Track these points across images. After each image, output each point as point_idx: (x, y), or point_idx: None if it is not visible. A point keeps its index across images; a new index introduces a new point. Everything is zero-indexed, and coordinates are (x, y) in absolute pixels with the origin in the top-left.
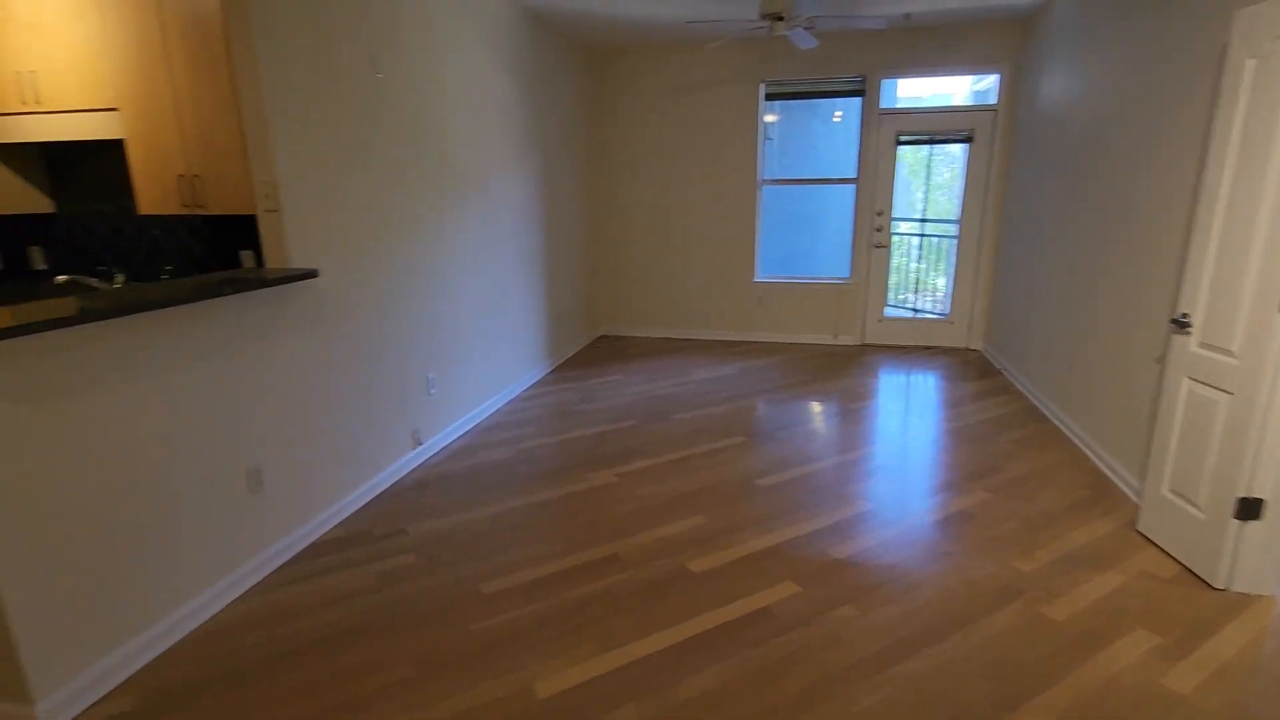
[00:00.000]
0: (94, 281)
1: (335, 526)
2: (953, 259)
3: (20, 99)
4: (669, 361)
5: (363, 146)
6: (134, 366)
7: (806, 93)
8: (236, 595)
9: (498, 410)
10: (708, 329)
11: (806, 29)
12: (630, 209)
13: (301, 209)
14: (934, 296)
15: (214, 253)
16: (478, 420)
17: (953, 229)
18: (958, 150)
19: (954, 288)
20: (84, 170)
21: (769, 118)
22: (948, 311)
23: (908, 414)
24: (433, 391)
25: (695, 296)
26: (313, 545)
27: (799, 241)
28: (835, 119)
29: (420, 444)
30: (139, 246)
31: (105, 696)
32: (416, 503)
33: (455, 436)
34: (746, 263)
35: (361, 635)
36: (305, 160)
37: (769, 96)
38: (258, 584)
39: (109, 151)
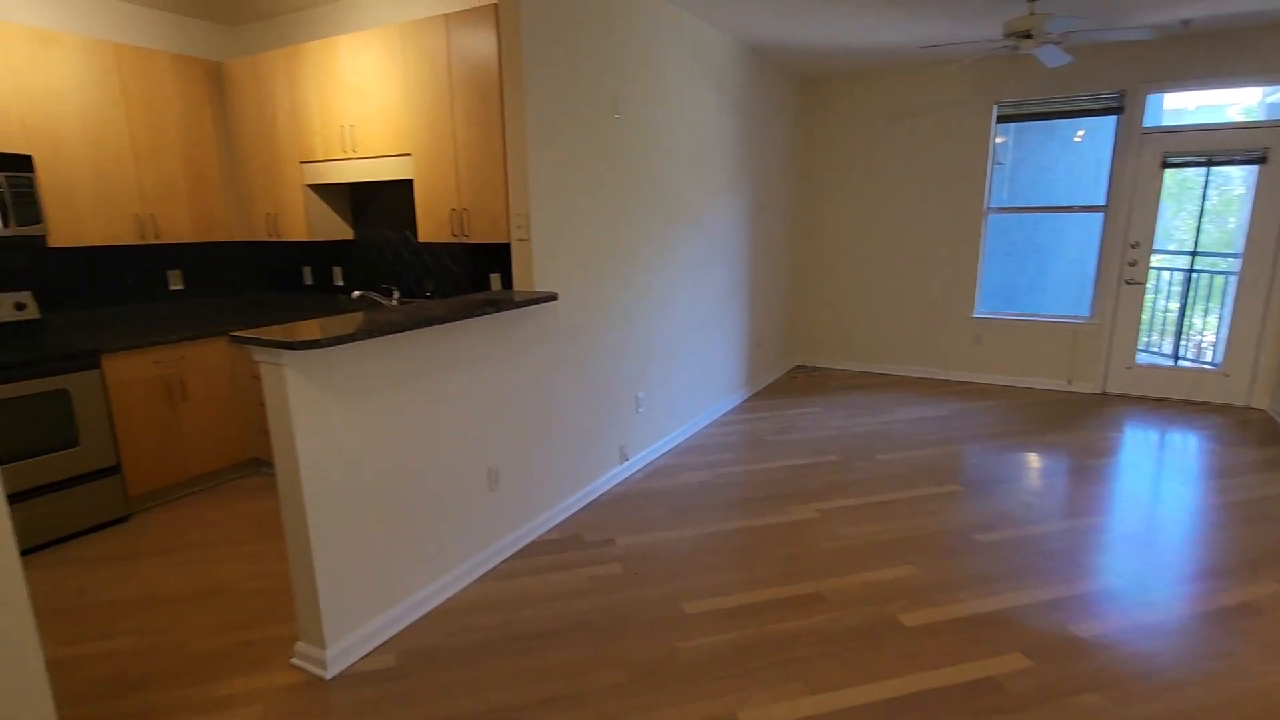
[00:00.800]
0: (378, 297)
1: (552, 529)
2: (1229, 299)
3: (342, 148)
4: (872, 397)
5: (597, 182)
6: (412, 370)
7: (1047, 113)
8: (474, 579)
9: (696, 433)
10: (916, 365)
11: (1057, 44)
12: (838, 236)
13: (546, 238)
14: (1199, 342)
15: (467, 275)
16: (678, 441)
17: (1230, 264)
18: (1235, 172)
19: (1230, 332)
20: (378, 205)
21: (998, 140)
22: (1220, 360)
23: (1164, 479)
24: (640, 411)
25: (903, 330)
26: (533, 543)
27: (1024, 274)
28: (1076, 139)
29: (627, 459)
30: (413, 268)
31: (372, 651)
32: (622, 515)
33: (657, 455)
34: (965, 296)
35: (578, 633)
36: (551, 195)
37: (1001, 119)
38: (489, 571)
39: (398, 189)
